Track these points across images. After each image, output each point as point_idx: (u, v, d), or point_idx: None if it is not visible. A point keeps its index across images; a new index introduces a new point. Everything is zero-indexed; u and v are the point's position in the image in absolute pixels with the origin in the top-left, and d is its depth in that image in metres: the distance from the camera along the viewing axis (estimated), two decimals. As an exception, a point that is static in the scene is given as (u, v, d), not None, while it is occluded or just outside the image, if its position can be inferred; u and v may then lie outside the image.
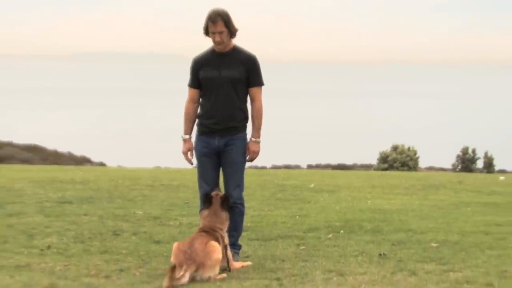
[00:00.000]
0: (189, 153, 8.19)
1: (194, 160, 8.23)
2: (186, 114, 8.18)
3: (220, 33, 7.87)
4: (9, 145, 41.47)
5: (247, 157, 8.15)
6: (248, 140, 8.15)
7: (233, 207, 8.07)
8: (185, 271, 7.17)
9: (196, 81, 8.11)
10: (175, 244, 7.47)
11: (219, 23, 7.84)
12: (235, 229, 8.16)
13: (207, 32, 7.98)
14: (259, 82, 8.10)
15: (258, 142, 8.13)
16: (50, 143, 44.77)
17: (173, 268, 7.10)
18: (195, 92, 8.15)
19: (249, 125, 8.23)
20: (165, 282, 7.01)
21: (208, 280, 7.26)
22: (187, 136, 8.18)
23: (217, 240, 7.61)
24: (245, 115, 8.15)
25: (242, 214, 8.24)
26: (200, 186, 8.19)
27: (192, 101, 8.18)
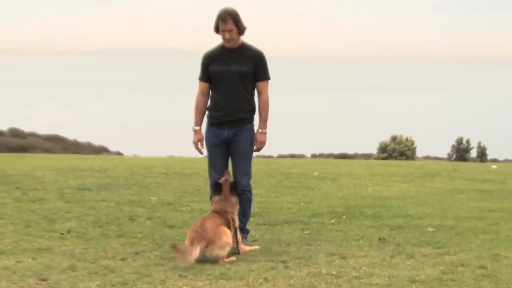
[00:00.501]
0: (199, 143, 8.16)
1: (204, 150, 8.21)
2: (197, 106, 8.17)
3: (230, 31, 7.85)
4: (33, 135, 41.54)
5: (255, 147, 8.13)
6: (256, 131, 8.13)
7: (242, 194, 8.06)
8: (196, 246, 7.17)
9: (206, 75, 8.09)
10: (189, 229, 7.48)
11: (229, 21, 7.82)
12: (243, 215, 8.15)
13: (217, 29, 7.96)
14: (266, 77, 8.08)
15: (265, 133, 8.10)
16: (71, 134, 44.83)
17: (175, 246, 7.12)
18: (205, 85, 8.13)
19: (256, 117, 8.21)
20: (179, 261, 7.05)
21: (217, 259, 7.26)
22: (197, 127, 8.17)
23: (227, 221, 7.61)
24: (252, 107, 8.13)
25: (250, 200, 8.22)
26: (210, 175, 8.18)
27: (202, 94, 8.16)
